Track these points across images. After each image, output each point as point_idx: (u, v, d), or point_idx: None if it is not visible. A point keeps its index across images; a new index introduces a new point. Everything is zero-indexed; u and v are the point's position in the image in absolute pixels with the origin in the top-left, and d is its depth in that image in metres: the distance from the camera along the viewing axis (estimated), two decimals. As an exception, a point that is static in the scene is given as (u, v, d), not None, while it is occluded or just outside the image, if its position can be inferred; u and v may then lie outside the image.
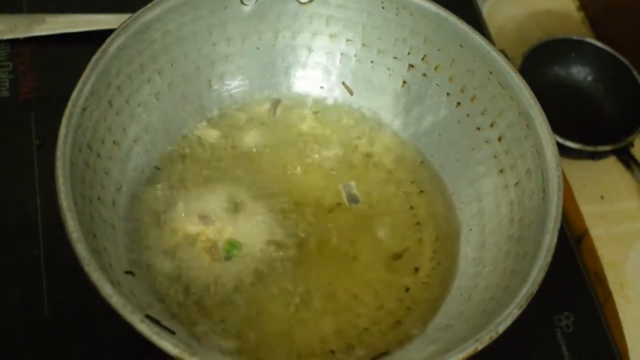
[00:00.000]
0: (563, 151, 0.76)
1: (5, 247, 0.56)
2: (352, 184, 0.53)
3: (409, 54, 0.57)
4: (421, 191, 0.56)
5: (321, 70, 0.59)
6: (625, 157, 0.85)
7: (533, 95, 0.51)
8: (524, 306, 0.43)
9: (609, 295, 0.65)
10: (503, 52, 0.54)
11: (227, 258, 0.51)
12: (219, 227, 0.51)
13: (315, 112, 0.59)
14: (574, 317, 0.59)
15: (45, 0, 0.69)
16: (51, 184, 0.44)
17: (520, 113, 0.51)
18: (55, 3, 0.68)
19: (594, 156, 0.84)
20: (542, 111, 0.50)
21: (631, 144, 0.84)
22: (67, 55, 0.65)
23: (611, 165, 0.85)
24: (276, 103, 0.57)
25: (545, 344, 0.58)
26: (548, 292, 0.47)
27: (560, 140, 0.80)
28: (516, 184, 0.52)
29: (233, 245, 0.51)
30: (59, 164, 0.44)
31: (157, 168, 0.54)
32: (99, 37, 0.50)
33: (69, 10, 0.68)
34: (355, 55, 0.58)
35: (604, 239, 0.76)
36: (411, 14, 0.55)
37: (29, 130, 0.61)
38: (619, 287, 0.73)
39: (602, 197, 0.82)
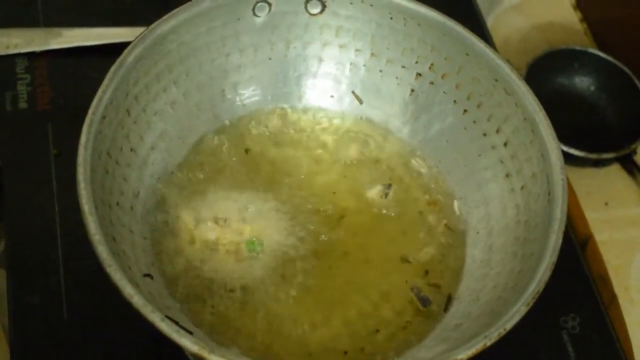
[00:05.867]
0: (568, 159, 0.76)
1: (26, 252, 0.57)
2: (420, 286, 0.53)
3: (416, 63, 0.58)
4: (429, 196, 0.58)
5: (331, 79, 0.60)
6: (628, 165, 0.85)
7: (537, 101, 0.52)
8: (531, 304, 0.44)
9: (613, 297, 0.65)
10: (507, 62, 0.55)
11: (250, 257, 0.52)
12: (236, 229, 0.52)
13: (325, 121, 0.60)
14: (579, 318, 0.60)
15: (61, 14, 0.70)
16: (69, 191, 0.45)
17: (525, 119, 0.53)
18: (71, 17, 0.70)
19: (598, 164, 0.85)
20: (546, 116, 0.51)
21: (634, 152, 0.85)
22: (83, 68, 0.66)
23: (615, 173, 0.85)
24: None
25: (552, 344, 0.59)
26: (554, 295, 0.48)
27: (565, 148, 0.80)
28: (522, 188, 0.53)
29: (254, 243, 0.52)
30: (80, 169, 0.44)
31: (173, 175, 0.55)
32: (114, 50, 0.51)
33: (85, 24, 0.69)
34: (364, 65, 0.59)
35: (608, 244, 0.76)
36: (418, 24, 0.56)
37: (46, 141, 0.62)
38: (623, 290, 0.73)
39: (606, 204, 0.83)
